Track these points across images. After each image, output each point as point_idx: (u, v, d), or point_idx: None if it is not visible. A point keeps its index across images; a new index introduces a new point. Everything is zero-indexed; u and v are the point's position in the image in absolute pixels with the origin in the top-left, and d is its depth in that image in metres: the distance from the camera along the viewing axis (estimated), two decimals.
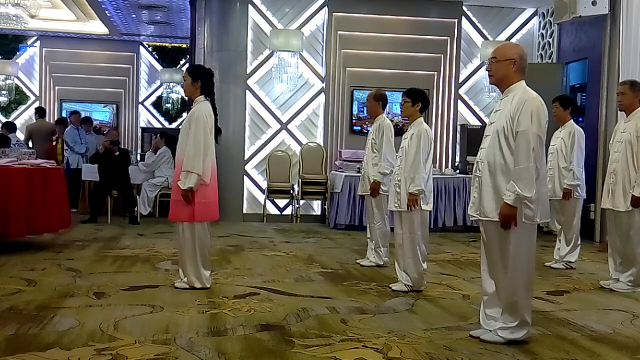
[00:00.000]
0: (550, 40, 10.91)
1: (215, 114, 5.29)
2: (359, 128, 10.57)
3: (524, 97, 3.81)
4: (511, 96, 3.87)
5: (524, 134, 3.72)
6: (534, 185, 3.73)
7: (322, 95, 10.74)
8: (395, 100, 9.67)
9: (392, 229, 5.95)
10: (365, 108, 10.22)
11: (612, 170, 5.76)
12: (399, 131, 8.61)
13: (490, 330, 4.01)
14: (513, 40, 11.12)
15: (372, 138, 6.64)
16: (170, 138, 10.55)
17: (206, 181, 5.14)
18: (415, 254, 5.41)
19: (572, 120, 6.84)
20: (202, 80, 5.27)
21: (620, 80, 8.34)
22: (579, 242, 6.90)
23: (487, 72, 4.10)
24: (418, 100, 5.61)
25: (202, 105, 5.22)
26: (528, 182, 3.71)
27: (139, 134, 15.04)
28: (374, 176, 6.51)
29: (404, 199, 5.41)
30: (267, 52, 10.58)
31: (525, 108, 3.75)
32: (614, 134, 5.90)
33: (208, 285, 5.29)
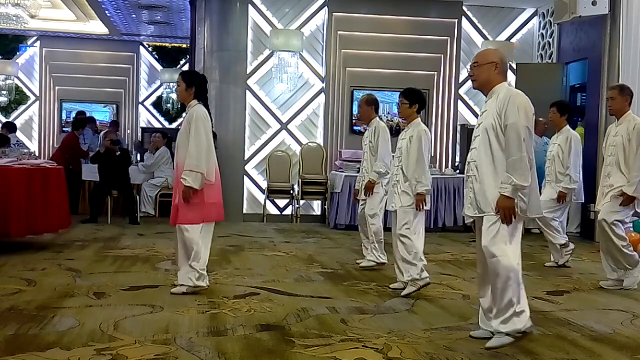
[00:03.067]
0: (550, 40, 10.91)
1: (210, 118, 5.28)
2: (359, 128, 10.55)
3: (508, 93, 3.87)
4: (495, 96, 3.92)
5: (513, 126, 3.76)
6: (529, 174, 3.76)
7: (322, 95, 10.74)
8: (395, 100, 9.66)
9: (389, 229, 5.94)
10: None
11: (607, 173, 5.81)
12: (399, 132, 8.59)
13: (493, 333, 3.98)
14: (513, 40, 11.16)
15: (370, 141, 6.59)
16: (170, 139, 10.55)
17: (211, 180, 5.12)
18: (414, 254, 5.39)
19: (567, 126, 6.91)
20: (196, 87, 5.28)
21: (619, 81, 8.36)
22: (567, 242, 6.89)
23: (470, 77, 4.13)
24: (415, 100, 5.59)
25: (198, 108, 5.21)
26: (523, 172, 3.74)
27: (139, 134, 15.05)
28: (371, 176, 6.48)
29: (404, 198, 5.39)
30: (267, 52, 10.58)
31: (511, 102, 3.80)
32: (607, 138, 5.96)
33: (205, 285, 5.17)
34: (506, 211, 3.77)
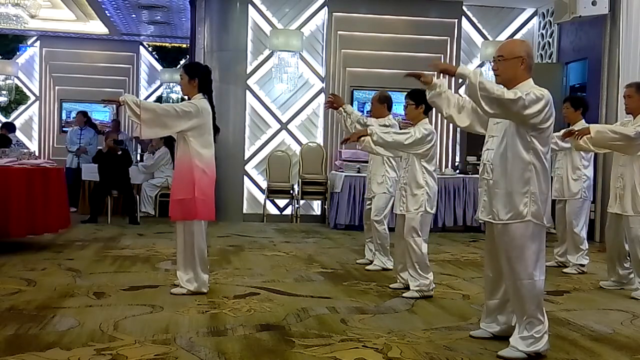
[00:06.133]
0: (550, 40, 10.91)
1: (214, 112, 5.19)
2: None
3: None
4: None
5: (525, 97, 3.50)
6: (495, 96, 3.51)
7: (322, 95, 10.73)
8: (395, 100, 9.64)
9: (392, 229, 5.92)
10: (364, 108, 10.23)
11: (620, 174, 5.57)
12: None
13: (494, 334, 3.98)
14: None
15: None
16: (169, 138, 10.52)
17: (137, 119, 4.91)
18: (424, 265, 5.30)
19: (583, 121, 6.65)
20: (199, 78, 5.16)
21: (619, 81, 8.35)
22: (587, 246, 6.74)
23: (493, 71, 3.89)
24: (421, 101, 5.46)
25: (201, 102, 5.11)
26: (494, 92, 3.50)
27: None
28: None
29: (411, 203, 5.29)
30: (267, 52, 10.58)
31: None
32: None
33: (205, 290, 5.12)
34: (444, 66, 3.85)
